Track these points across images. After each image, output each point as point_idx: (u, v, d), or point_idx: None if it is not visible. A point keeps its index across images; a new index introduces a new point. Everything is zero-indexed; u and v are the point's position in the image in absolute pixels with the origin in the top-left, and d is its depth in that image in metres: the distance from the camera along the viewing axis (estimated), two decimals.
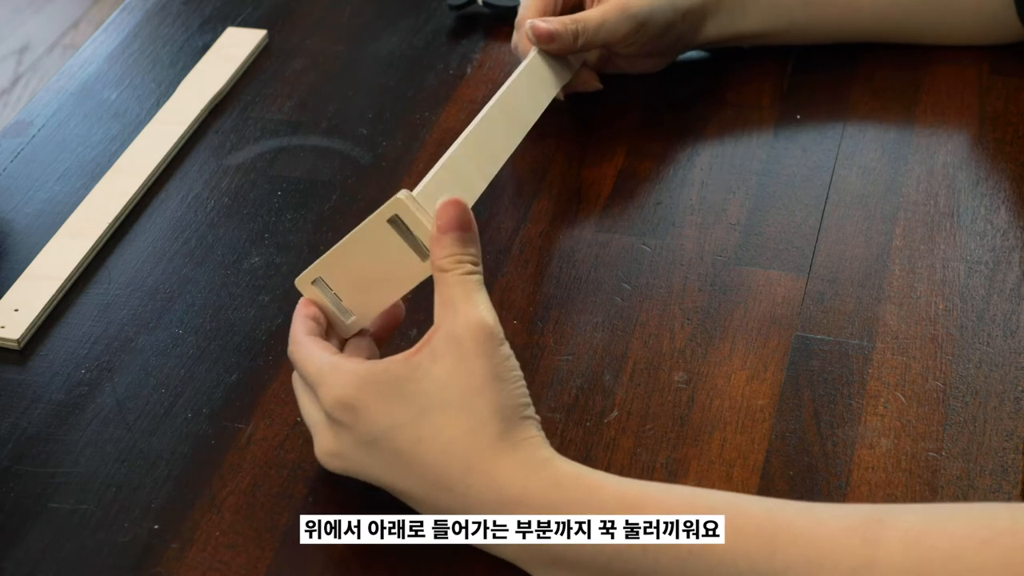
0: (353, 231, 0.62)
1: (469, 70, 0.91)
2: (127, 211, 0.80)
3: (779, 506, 0.54)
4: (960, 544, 0.49)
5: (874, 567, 0.50)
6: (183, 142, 0.86)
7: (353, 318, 0.64)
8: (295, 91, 0.91)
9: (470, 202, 0.62)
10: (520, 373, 0.58)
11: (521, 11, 0.82)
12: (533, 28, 0.77)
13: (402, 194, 0.60)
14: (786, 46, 0.89)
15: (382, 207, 0.60)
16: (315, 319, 0.63)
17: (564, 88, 0.80)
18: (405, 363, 0.57)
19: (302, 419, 0.67)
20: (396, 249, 0.61)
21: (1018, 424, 0.64)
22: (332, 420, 0.59)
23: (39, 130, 0.89)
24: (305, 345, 0.61)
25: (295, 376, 0.63)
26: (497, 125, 0.70)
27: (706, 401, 0.66)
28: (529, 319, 0.71)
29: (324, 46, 0.95)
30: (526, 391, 0.58)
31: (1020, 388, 0.66)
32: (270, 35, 0.96)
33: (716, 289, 0.72)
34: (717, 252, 0.75)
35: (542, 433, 0.58)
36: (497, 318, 0.57)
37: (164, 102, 0.89)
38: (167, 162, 0.84)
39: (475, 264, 0.58)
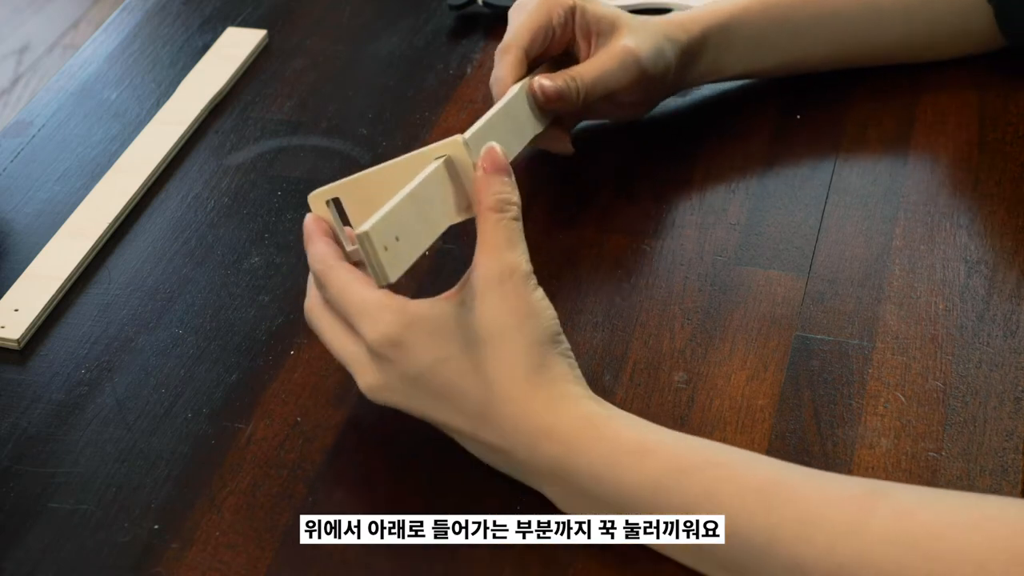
0: (391, 161, 0.63)
1: (469, 70, 0.91)
2: (127, 211, 0.80)
3: (787, 469, 0.56)
4: (948, 523, 0.51)
5: (863, 533, 0.52)
6: (183, 142, 0.86)
7: (354, 248, 0.64)
8: (295, 91, 0.91)
9: None
10: (553, 315, 0.60)
11: (507, 39, 0.76)
12: (542, 89, 0.73)
13: (459, 136, 0.62)
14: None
15: (434, 144, 0.62)
16: (334, 240, 0.65)
17: (533, 141, 0.75)
18: (448, 302, 0.60)
19: (302, 419, 0.67)
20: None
21: (1018, 424, 0.64)
22: (376, 355, 0.61)
23: (39, 130, 0.89)
24: (339, 272, 0.62)
25: (316, 303, 0.64)
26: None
27: (706, 401, 0.66)
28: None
29: (324, 46, 0.95)
30: (560, 332, 0.61)
31: (1020, 388, 0.65)
32: (270, 35, 0.96)
33: (716, 289, 0.72)
34: (717, 252, 0.75)
35: (576, 371, 0.61)
36: (530, 262, 0.60)
37: (164, 102, 0.89)
38: (167, 162, 0.84)
39: (516, 205, 0.61)
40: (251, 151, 0.86)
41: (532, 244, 0.76)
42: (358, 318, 0.61)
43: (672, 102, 0.86)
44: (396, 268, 0.58)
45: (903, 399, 0.65)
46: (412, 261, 0.60)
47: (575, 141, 0.84)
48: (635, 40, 0.76)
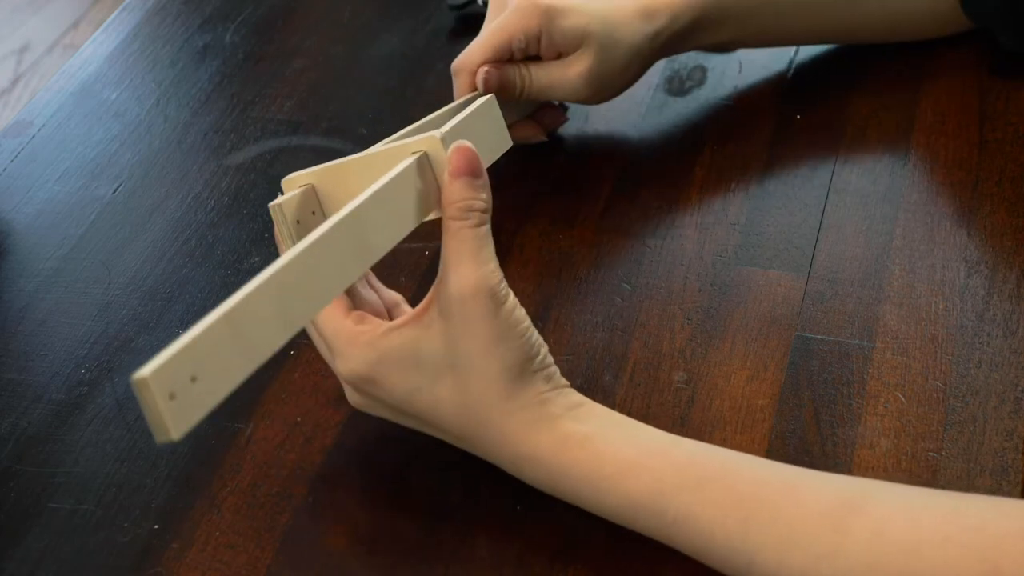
0: (368, 151, 0.61)
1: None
2: None
3: (768, 475, 0.56)
4: (923, 538, 0.51)
5: (838, 555, 0.52)
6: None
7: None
8: (295, 91, 0.91)
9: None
10: (526, 327, 0.58)
11: (463, 58, 0.75)
12: (486, 74, 0.73)
13: (438, 133, 0.59)
14: (785, 46, 0.89)
15: (413, 139, 0.59)
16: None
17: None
18: (415, 327, 0.58)
19: (302, 419, 0.67)
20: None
21: (1018, 424, 0.64)
22: (352, 386, 0.61)
23: (39, 130, 0.89)
24: None
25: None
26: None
27: (706, 401, 0.66)
28: (529, 319, 0.71)
29: (324, 46, 0.95)
30: (534, 345, 0.59)
31: (1020, 388, 0.65)
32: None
33: (716, 289, 0.72)
34: (717, 252, 0.75)
35: (554, 384, 0.59)
36: (501, 274, 0.58)
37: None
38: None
39: (484, 212, 0.58)
40: (251, 151, 0.86)
41: (532, 244, 0.76)
42: (329, 350, 0.61)
43: (672, 102, 0.87)
44: (187, 418, 0.45)
45: (903, 399, 0.65)
46: (217, 403, 0.46)
47: (576, 141, 0.84)
48: (597, 62, 0.75)
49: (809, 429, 0.64)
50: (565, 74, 0.75)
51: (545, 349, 0.60)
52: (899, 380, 0.66)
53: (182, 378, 0.45)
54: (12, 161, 0.86)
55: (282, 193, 0.63)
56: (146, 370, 0.44)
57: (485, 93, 0.74)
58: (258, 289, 0.49)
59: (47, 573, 0.60)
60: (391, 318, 0.64)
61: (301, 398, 0.68)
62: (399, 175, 0.57)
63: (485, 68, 0.73)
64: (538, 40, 0.74)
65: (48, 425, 0.67)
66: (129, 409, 0.68)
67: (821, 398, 0.66)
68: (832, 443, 0.63)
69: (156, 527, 0.62)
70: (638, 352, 0.69)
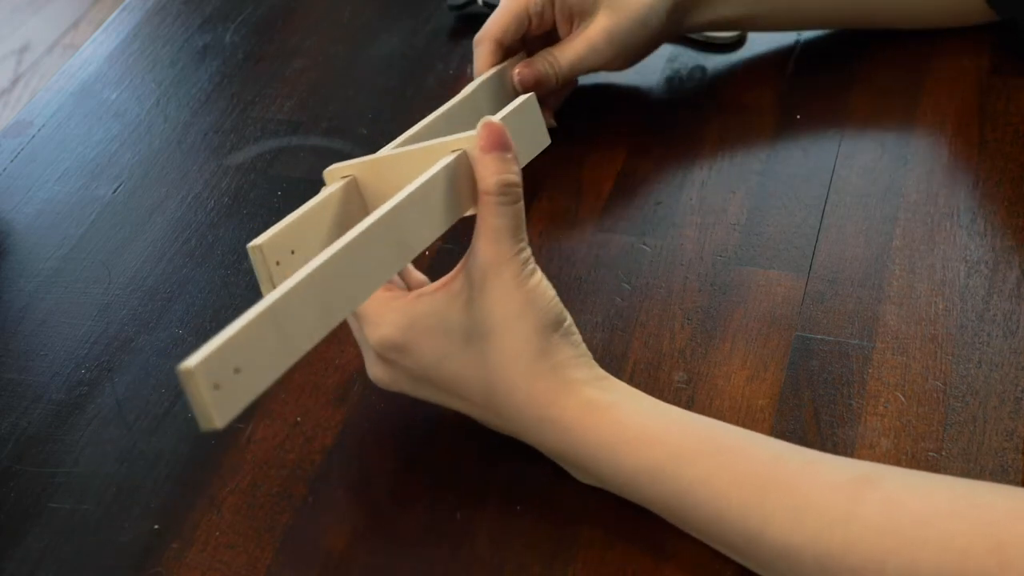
0: (406, 148, 0.62)
1: (469, 70, 0.91)
2: None
3: (784, 457, 0.57)
4: (934, 512, 0.52)
5: (851, 522, 0.53)
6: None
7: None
8: (295, 91, 0.91)
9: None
10: (553, 295, 0.60)
11: (483, 30, 0.80)
12: (520, 76, 0.78)
13: (474, 133, 0.60)
14: (784, 45, 0.89)
15: (452, 137, 0.60)
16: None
17: None
18: (445, 295, 0.59)
19: (302, 419, 0.67)
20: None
21: (1018, 424, 0.64)
22: (380, 355, 0.61)
23: (39, 130, 0.89)
24: None
25: None
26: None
27: (706, 401, 0.66)
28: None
29: (324, 46, 0.95)
30: (561, 311, 0.60)
31: (1020, 388, 0.65)
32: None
33: (716, 289, 0.72)
34: (717, 252, 0.75)
35: (581, 351, 0.61)
36: (530, 249, 0.60)
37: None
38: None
39: (518, 186, 0.59)
40: (251, 151, 0.86)
41: (532, 245, 0.76)
42: (361, 317, 0.61)
43: (672, 102, 0.87)
44: (231, 408, 0.47)
45: (903, 399, 0.65)
46: (258, 393, 0.48)
47: (576, 141, 0.84)
48: (615, 19, 0.79)
49: (809, 429, 0.64)
50: (588, 40, 0.79)
51: (571, 320, 0.61)
52: (899, 380, 0.66)
53: (226, 369, 0.47)
54: (12, 161, 0.86)
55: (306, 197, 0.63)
56: (192, 361, 0.46)
57: (524, 91, 0.74)
58: (300, 284, 0.51)
59: (47, 573, 0.60)
60: None
61: (301, 398, 0.68)
62: (437, 174, 0.59)
63: (517, 71, 0.78)
64: (552, 4, 0.78)
65: (48, 425, 0.67)
66: (129, 409, 0.68)
67: (821, 398, 0.66)
68: (832, 443, 0.63)
69: (156, 527, 0.62)
70: (638, 352, 0.69)
